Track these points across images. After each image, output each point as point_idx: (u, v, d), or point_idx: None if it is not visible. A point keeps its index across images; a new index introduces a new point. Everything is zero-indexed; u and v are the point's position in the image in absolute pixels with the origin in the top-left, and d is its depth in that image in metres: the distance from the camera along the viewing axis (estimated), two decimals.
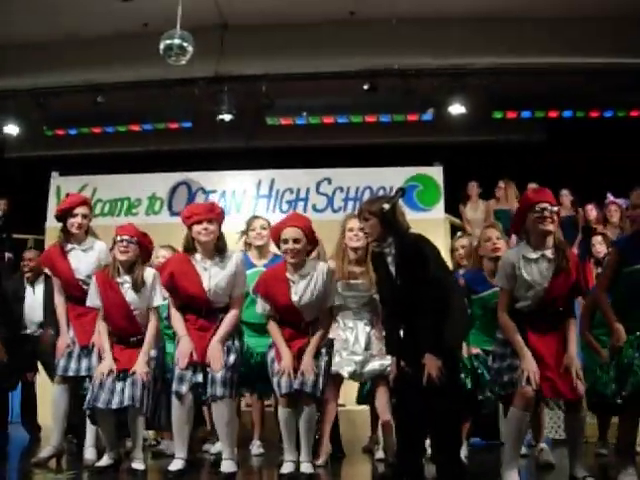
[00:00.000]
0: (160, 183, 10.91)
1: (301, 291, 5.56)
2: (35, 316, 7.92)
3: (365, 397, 6.75)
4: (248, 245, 6.79)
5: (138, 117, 12.73)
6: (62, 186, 11.06)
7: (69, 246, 6.19)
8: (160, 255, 6.79)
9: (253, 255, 6.67)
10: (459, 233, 7.81)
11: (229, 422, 5.54)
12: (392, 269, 5.04)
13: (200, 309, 5.54)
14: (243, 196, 10.80)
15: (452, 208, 10.79)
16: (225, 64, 11.14)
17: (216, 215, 5.61)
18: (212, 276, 5.52)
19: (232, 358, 5.52)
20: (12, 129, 12.29)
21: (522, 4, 10.23)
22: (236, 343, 5.61)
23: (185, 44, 9.20)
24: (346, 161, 11.05)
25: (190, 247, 5.62)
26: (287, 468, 5.50)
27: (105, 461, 5.72)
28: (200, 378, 5.47)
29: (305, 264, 5.63)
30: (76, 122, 12.88)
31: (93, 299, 5.79)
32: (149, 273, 5.83)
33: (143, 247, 5.86)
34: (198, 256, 5.59)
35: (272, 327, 5.64)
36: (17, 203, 11.80)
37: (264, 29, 10.85)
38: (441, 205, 10.26)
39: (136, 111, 12.43)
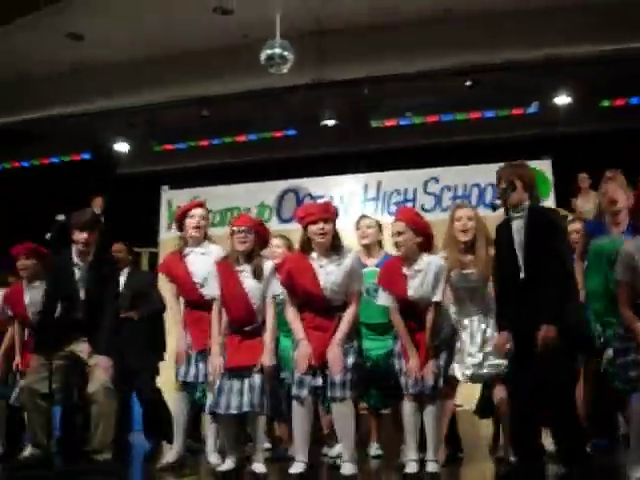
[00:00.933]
0: (268, 191, 11.03)
1: (416, 285, 5.55)
2: None
3: (484, 409, 6.66)
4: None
5: (243, 127, 12.91)
6: (173, 199, 11.31)
7: (187, 250, 6.34)
8: (274, 244, 6.87)
9: (362, 254, 6.68)
10: (570, 217, 7.67)
11: (349, 424, 5.56)
12: (517, 238, 5.05)
13: (317, 307, 5.57)
14: (350, 200, 10.83)
15: (563, 201, 10.56)
16: (325, 70, 11.17)
17: (331, 214, 5.64)
18: (328, 274, 5.54)
19: (351, 359, 5.52)
20: (122, 146, 12.65)
21: None
22: (354, 344, 5.62)
23: (285, 53, 9.28)
24: (452, 159, 10.93)
25: (306, 246, 5.67)
26: (412, 467, 5.48)
27: (227, 465, 5.80)
28: (320, 382, 5.50)
29: (418, 259, 5.62)
30: (183, 136, 13.16)
31: (212, 289, 5.89)
32: (267, 265, 5.92)
33: (260, 236, 5.98)
34: (314, 255, 5.63)
35: (398, 321, 5.63)
36: (130, 218, 12.08)
37: (361, 32, 10.84)
38: (552, 198, 10.07)
39: (241, 122, 12.60)
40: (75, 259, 6.28)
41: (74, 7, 10.20)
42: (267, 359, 5.63)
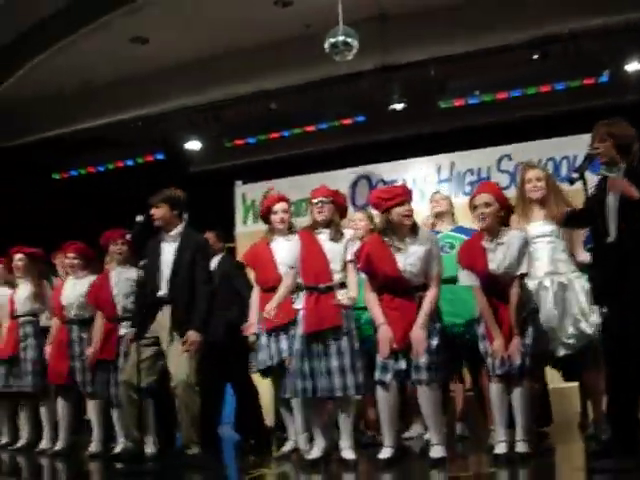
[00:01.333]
0: (341, 179, 11.01)
1: (499, 259, 5.50)
2: None
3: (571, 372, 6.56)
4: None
5: (312, 118, 12.91)
6: (247, 193, 11.39)
7: (274, 238, 6.58)
8: (357, 218, 7.02)
9: (437, 223, 6.76)
10: None
11: (437, 407, 5.55)
12: (612, 200, 4.89)
13: (397, 289, 5.57)
14: (424, 183, 10.76)
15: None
16: (390, 54, 11.13)
17: (411, 196, 5.74)
18: (407, 257, 5.55)
19: (435, 341, 5.53)
20: (194, 144, 12.80)
21: None
22: (437, 325, 5.62)
23: (350, 39, 9.25)
24: (525, 135, 10.76)
25: (387, 229, 5.68)
26: (501, 448, 5.46)
27: (316, 452, 5.83)
28: (403, 365, 5.51)
29: (500, 232, 5.58)
30: (253, 130, 13.22)
31: (291, 259, 6.04)
32: (347, 232, 6.09)
33: (338, 205, 6.12)
34: (392, 237, 5.64)
35: (482, 301, 5.61)
36: (205, 215, 12.19)
37: (424, 14, 10.74)
38: None
39: (309, 112, 12.60)
40: (160, 240, 6.47)
41: (138, 11, 10.32)
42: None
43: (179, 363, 6.28)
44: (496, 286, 5.53)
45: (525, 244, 5.56)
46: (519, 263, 5.50)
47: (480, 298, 5.57)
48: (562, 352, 5.86)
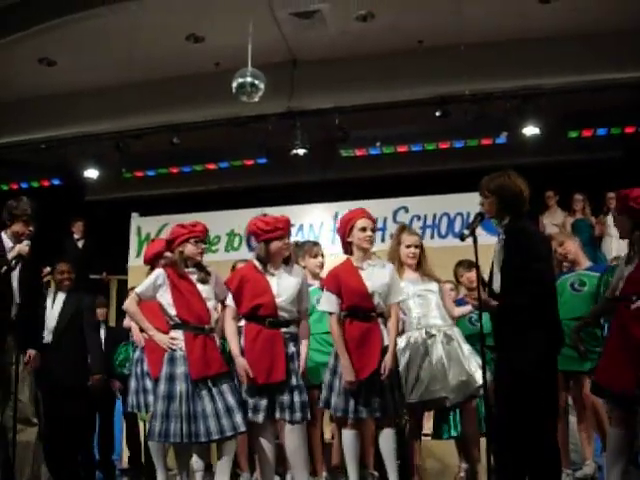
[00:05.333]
0: (238, 219, 10.99)
1: (372, 278, 5.61)
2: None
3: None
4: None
5: (214, 156, 12.91)
6: (142, 226, 11.26)
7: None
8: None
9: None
10: None
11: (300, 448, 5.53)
12: (497, 256, 4.97)
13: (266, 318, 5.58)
14: (321, 229, 10.82)
15: None
16: (297, 99, 11.25)
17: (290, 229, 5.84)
18: (279, 284, 5.59)
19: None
20: (92, 173, 12.59)
21: (591, 20, 10.07)
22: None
23: (257, 82, 9.31)
24: (422, 189, 10.97)
25: (266, 260, 5.67)
26: None
27: None
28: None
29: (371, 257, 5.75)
30: (154, 163, 13.13)
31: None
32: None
33: None
34: (269, 265, 5.67)
35: (336, 330, 5.61)
36: (99, 245, 12.02)
37: (333, 62, 10.93)
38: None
39: (212, 150, 12.62)
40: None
41: (46, 33, 10.18)
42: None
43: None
44: (368, 304, 5.60)
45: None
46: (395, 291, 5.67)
47: (336, 327, 5.59)
48: (448, 403, 5.94)
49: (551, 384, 4.72)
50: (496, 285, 4.85)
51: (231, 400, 5.45)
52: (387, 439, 5.62)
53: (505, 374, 4.73)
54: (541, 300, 4.64)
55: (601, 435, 6.31)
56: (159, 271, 5.76)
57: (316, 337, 6.28)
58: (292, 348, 5.53)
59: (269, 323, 5.51)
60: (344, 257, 5.81)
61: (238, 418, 5.40)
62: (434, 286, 6.24)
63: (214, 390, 5.47)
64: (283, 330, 5.54)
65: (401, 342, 6.03)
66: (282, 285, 5.60)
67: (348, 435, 5.65)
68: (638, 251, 4.97)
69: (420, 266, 6.25)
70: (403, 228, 6.50)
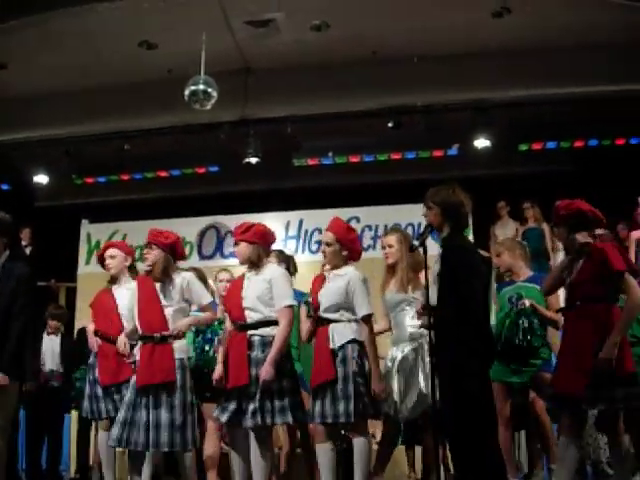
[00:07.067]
0: (189, 227, 10.97)
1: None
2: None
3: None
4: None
5: (165, 163, 12.86)
6: (92, 233, 11.21)
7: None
8: (223, 278, 6.95)
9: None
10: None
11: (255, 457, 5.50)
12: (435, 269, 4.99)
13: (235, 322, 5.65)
14: None
15: (480, 243, 10.64)
16: (250, 107, 11.22)
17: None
18: (248, 286, 5.66)
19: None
20: (42, 178, 12.49)
21: (541, 35, 10.17)
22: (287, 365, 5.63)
23: (209, 89, 9.30)
24: (374, 199, 11.03)
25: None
26: None
27: None
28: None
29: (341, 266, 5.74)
30: (104, 170, 13.04)
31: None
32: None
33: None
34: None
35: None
36: (48, 252, 11.88)
37: (287, 71, 10.90)
38: (470, 239, 10.17)
39: (163, 157, 12.55)
40: None
41: None
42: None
43: None
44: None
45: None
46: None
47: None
48: (404, 417, 5.89)
49: (485, 395, 4.74)
50: (433, 298, 4.84)
51: (163, 416, 5.48)
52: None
53: (444, 384, 4.76)
54: (471, 314, 4.68)
55: (545, 447, 6.36)
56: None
57: None
58: (258, 352, 5.47)
59: (237, 327, 5.54)
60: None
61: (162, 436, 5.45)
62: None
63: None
64: (250, 333, 5.52)
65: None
66: (250, 286, 5.61)
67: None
68: (574, 253, 5.06)
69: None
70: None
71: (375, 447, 6.26)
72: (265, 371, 5.30)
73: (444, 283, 4.81)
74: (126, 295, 6.27)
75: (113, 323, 6.38)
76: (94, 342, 6.55)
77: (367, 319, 5.56)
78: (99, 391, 6.40)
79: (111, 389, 6.29)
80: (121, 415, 5.57)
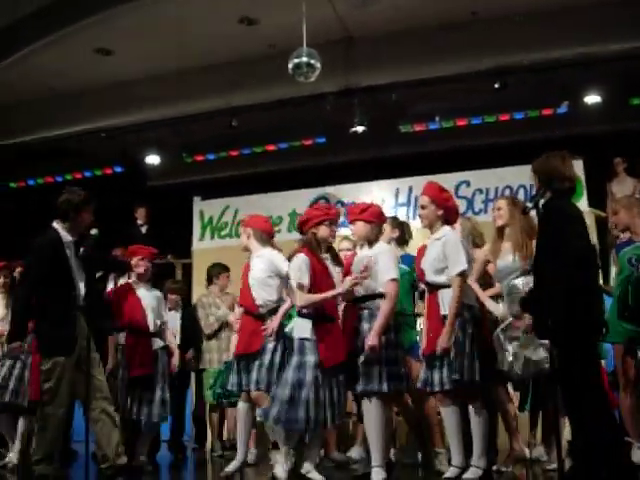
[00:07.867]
0: (300, 199, 11.02)
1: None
2: None
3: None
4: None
5: (273, 137, 12.95)
6: (205, 210, 11.38)
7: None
8: (344, 247, 7.04)
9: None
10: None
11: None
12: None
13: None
14: (382, 205, 10.78)
15: (595, 201, 10.40)
16: (353, 76, 11.20)
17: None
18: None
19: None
20: (153, 159, 12.76)
21: None
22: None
23: (313, 61, 9.30)
24: (483, 162, 10.86)
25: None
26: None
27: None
28: None
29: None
30: (213, 147, 13.23)
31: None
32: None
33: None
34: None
35: None
36: (163, 230, 12.13)
37: (388, 38, 10.83)
38: (584, 199, 9.95)
39: (271, 131, 12.62)
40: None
41: (103, 23, 10.27)
42: None
43: None
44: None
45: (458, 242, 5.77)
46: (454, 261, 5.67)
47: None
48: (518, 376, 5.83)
49: (594, 363, 4.81)
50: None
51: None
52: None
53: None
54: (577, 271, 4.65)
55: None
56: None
57: None
58: (365, 324, 5.74)
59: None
60: None
61: None
62: None
63: None
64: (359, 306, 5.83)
65: None
66: (358, 263, 5.85)
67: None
68: None
69: None
70: None
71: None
72: (371, 340, 5.49)
73: (542, 244, 4.87)
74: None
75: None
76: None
77: (461, 275, 5.61)
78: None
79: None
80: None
